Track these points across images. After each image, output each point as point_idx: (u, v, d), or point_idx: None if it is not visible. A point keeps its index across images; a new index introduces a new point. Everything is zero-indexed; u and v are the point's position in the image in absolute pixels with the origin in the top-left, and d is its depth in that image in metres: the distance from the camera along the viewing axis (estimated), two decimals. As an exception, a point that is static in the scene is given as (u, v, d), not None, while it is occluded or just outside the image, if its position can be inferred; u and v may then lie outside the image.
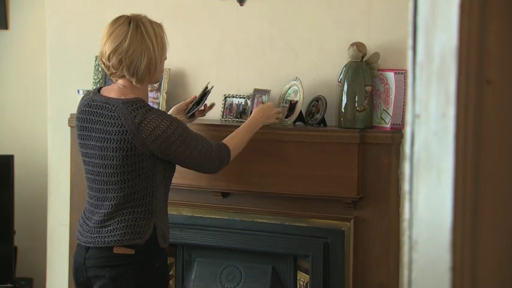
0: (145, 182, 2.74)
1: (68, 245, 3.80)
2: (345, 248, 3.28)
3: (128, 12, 2.85)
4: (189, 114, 3.25)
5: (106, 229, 2.74)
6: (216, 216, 3.54)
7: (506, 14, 0.84)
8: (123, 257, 2.72)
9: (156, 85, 3.55)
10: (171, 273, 3.75)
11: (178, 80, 3.64)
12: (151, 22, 2.80)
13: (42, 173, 3.95)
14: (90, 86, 3.70)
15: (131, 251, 2.72)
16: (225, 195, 3.48)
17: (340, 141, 3.19)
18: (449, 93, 0.84)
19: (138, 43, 2.73)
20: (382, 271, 3.20)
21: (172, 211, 3.61)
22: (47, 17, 3.88)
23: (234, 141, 3.00)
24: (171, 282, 3.74)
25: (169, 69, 3.58)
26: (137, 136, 2.68)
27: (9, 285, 3.87)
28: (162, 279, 2.85)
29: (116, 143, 2.70)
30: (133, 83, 2.78)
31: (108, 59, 2.75)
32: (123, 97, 2.75)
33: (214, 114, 3.50)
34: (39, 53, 4.03)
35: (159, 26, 2.83)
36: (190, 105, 3.24)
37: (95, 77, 3.70)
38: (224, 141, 2.98)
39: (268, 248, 3.42)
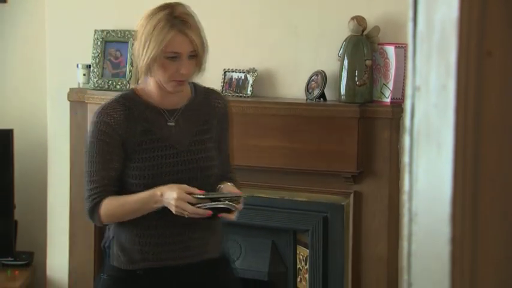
0: None
1: (68, 219, 3.81)
2: (344, 223, 3.28)
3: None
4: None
5: None
6: (216, 191, 3.55)
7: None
8: None
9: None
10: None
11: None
12: (147, 12, 2.48)
13: (42, 147, 3.95)
14: (89, 61, 3.69)
15: None
16: (225, 169, 3.48)
17: (340, 115, 3.18)
18: (450, 65, 0.83)
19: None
20: (382, 245, 3.21)
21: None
22: (46, -9, 3.86)
23: (112, 207, 2.45)
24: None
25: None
26: None
27: (9, 259, 3.88)
28: None
29: None
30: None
31: None
32: None
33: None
34: (38, 27, 4.01)
35: (148, 15, 2.45)
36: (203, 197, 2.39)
37: (94, 52, 3.69)
38: (105, 201, 2.46)
39: (268, 223, 3.43)
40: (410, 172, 0.93)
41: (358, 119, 3.15)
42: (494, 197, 0.86)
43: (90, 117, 3.67)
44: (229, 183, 2.50)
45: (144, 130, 2.47)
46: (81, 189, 3.78)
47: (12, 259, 3.88)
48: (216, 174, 2.53)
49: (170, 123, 2.50)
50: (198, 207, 2.33)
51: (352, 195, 3.25)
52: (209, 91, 2.64)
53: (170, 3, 2.48)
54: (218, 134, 2.59)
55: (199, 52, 2.44)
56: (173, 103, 2.53)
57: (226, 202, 2.34)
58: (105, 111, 2.49)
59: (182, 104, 2.55)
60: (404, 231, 0.93)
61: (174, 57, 2.41)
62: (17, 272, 3.87)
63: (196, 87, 2.61)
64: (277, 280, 3.49)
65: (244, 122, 3.33)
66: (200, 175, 2.48)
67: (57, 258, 3.86)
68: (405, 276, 0.91)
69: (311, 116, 3.23)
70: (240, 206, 2.39)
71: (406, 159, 0.94)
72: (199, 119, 2.55)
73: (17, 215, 3.91)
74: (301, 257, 3.44)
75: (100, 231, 3.77)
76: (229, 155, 2.66)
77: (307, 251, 3.37)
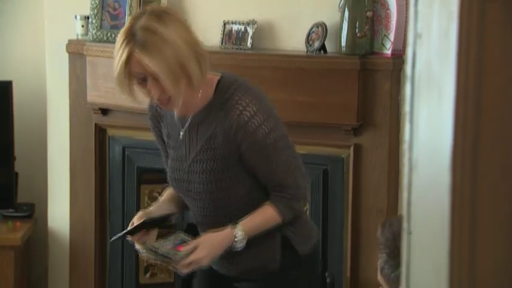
0: None
1: (69, 171, 3.81)
2: (344, 175, 3.29)
3: None
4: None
5: None
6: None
7: None
8: None
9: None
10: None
11: (179, 5, 3.59)
12: None
13: (41, 99, 3.94)
14: (88, 12, 3.66)
15: None
16: (224, 122, 3.46)
17: (340, 67, 3.17)
18: (452, 11, 0.82)
19: None
20: (382, 197, 3.22)
21: (172, 138, 3.62)
22: None
23: None
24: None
25: (168, -6, 3.53)
26: None
27: (10, 210, 3.90)
28: None
29: None
30: None
31: None
32: None
33: (213, 41, 3.47)
34: (36, -22, 3.97)
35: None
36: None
37: (93, 2, 3.65)
38: None
39: (267, 175, 3.43)
40: (411, 121, 0.92)
41: (358, 71, 3.14)
42: (494, 146, 0.85)
43: (89, 70, 3.66)
44: (184, 235, 2.33)
45: (168, 133, 2.42)
46: (81, 141, 3.79)
47: (13, 210, 3.90)
48: (228, 193, 2.31)
49: (181, 134, 2.36)
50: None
51: (352, 148, 3.25)
52: (228, 102, 2.27)
53: (145, 9, 2.27)
54: (243, 157, 2.28)
55: (158, 76, 2.15)
56: (186, 110, 2.32)
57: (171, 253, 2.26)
58: (148, 110, 2.47)
59: (193, 112, 2.32)
60: (405, 181, 0.92)
61: (140, 77, 2.19)
62: (18, 223, 3.89)
63: (218, 89, 2.29)
64: (277, 232, 3.51)
65: (244, 75, 3.30)
66: (204, 198, 2.34)
67: (58, 210, 3.88)
68: (405, 225, 0.91)
69: (311, 68, 3.21)
70: (180, 264, 2.24)
71: (406, 108, 0.93)
72: (206, 133, 2.31)
73: (18, 167, 3.91)
74: (301, 209, 3.45)
75: (101, 185, 3.78)
76: (270, 176, 2.31)
77: (307, 203, 3.38)
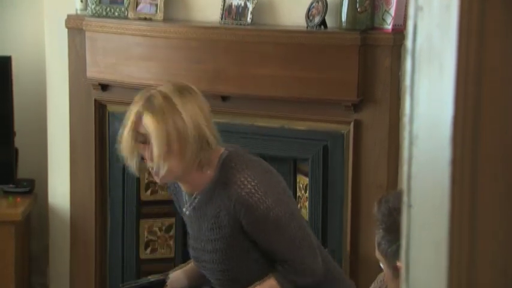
0: None
1: (69, 147, 3.81)
2: (344, 151, 3.29)
3: None
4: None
5: None
6: (216, 120, 3.54)
7: None
8: None
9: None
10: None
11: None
12: None
13: (40, 74, 3.93)
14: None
15: None
16: (224, 98, 3.46)
17: (341, 43, 3.16)
18: (454, -17, 0.82)
19: None
20: (382, 173, 3.22)
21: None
22: None
23: None
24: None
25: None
26: None
27: (11, 186, 3.90)
28: None
29: None
30: None
31: None
32: None
33: (213, 17, 3.46)
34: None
35: None
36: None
37: (92, -23, 3.63)
38: None
39: (268, 151, 3.43)
40: (412, 95, 0.92)
41: (359, 47, 3.13)
42: (495, 119, 0.85)
43: (88, 45, 3.65)
44: None
45: (180, 211, 2.48)
46: (81, 117, 3.79)
47: (13, 186, 3.90)
48: (242, 274, 2.36)
49: (187, 212, 2.41)
50: None
51: (352, 124, 3.25)
52: (229, 180, 2.27)
53: (169, 81, 2.35)
54: (250, 233, 2.31)
55: (151, 138, 2.21)
56: (192, 188, 2.36)
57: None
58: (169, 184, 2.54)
59: (199, 190, 2.34)
60: (405, 155, 0.92)
61: (141, 140, 2.27)
62: (18, 199, 3.90)
63: (220, 166, 2.30)
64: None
65: (244, 50, 3.31)
66: (217, 272, 2.38)
67: (59, 186, 3.89)
68: (405, 199, 0.91)
69: (311, 44, 3.20)
70: None
71: (407, 81, 0.93)
72: (212, 212, 2.33)
73: (17, 142, 3.91)
74: (301, 185, 3.45)
75: (101, 162, 3.78)
76: (274, 251, 2.32)
77: (307, 179, 3.38)
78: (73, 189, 3.83)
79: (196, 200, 2.35)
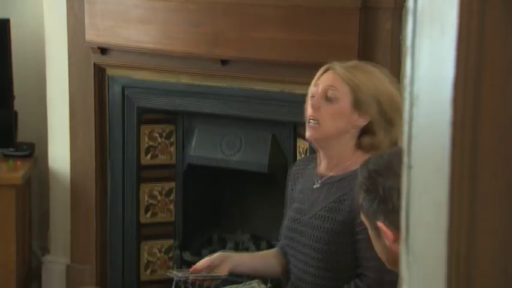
0: None
1: (68, 111, 3.81)
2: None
3: None
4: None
5: None
6: (215, 84, 3.53)
7: None
8: None
9: None
10: (171, 140, 3.78)
11: None
12: None
13: (39, 38, 3.91)
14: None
15: None
16: (224, 62, 3.45)
17: (341, 5, 3.13)
18: None
19: None
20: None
21: (171, 79, 3.61)
22: None
23: None
24: (172, 149, 3.78)
25: None
26: None
27: (11, 149, 3.90)
28: None
29: None
30: None
31: None
32: None
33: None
34: None
35: None
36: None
37: None
38: None
39: (267, 116, 3.43)
40: (413, 55, 0.91)
41: (359, 9, 3.10)
42: (496, 79, 0.84)
43: (87, 8, 3.62)
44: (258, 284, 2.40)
45: (302, 188, 2.45)
46: (80, 81, 3.77)
47: (13, 150, 3.90)
48: (327, 264, 2.31)
49: (315, 186, 2.39)
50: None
51: (352, 87, 3.23)
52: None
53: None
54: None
55: (335, 97, 2.33)
56: (330, 169, 2.37)
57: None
58: (295, 164, 2.58)
59: (334, 174, 2.37)
60: (405, 115, 0.92)
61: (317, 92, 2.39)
62: (18, 162, 3.90)
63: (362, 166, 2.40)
64: (277, 172, 3.52)
65: (243, 13, 3.29)
66: (309, 254, 2.34)
67: (59, 150, 3.89)
68: (405, 159, 0.91)
69: (311, 6, 3.18)
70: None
71: (408, 42, 0.92)
72: (335, 194, 2.34)
73: (17, 106, 3.90)
74: (301, 149, 3.45)
75: (100, 126, 3.78)
76: (365, 258, 2.26)
77: (307, 143, 3.38)
78: (73, 153, 3.83)
79: (326, 179, 2.37)
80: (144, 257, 3.75)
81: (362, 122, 2.30)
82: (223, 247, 3.72)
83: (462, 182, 0.84)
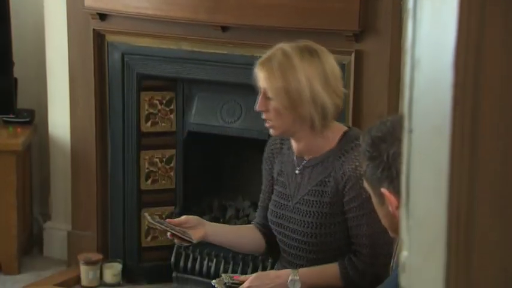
0: None
1: (68, 77, 3.80)
2: (345, 81, 3.27)
3: None
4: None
5: None
6: (215, 51, 3.52)
7: None
8: None
9: None
10: (171, 107, 3.77)
11: None
12: None
13: (38, 3, 3.89)
14: None
15: None
16: (224, 29, 3.43)
17: (343, -29, 3.11)
18: None
19: None
20: (382, 103, 3.22)
21: (171, 45, 3.59)
22: None
23: None
24: (172, 116, 3.78)
25: None
26: None
27: (11, 116, 3.90)
28: None
29: None
30: None
31: None
32: None
33: None
34: None
35: None
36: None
37: None
38: None
39: (268, 82, 3.41)
40: (414, 18, 0.90)
41: (361, -25, 3.08)
42: (498, 42, 0.84)
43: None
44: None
45: (280, 170, 2.44)
46: (80, 47, 3.76)
47: (13, 116, 3.90)
48: (317, 246, 2.33)
49: (296, 172, 2.39)
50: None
51: (353, 54, 3.22)
52: (348, 154, 2.31)
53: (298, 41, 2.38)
54: (345, 207, 2.30)
55: (268, 94, 2.29)
56: (306, 152, 2.37)
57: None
58: (270, 141, 2.52)
59: (313, 155, 2.36)
60: (406, 79, 0.91)
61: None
62: (18, 129, 3.90)
63: (342, 140, 2.35)
64: (277, 139, 3.52)
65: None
66: (301, 239, 2.35)
67: (59, 116, 3.88)
68: (406, 123, 0.91)
69: (313, -28, 3.15)
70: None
71: (409, 4, 0.91)
72: (318, 177, 2.35)
73: (17, 73, 3.89)
74: (301, 116, 3.44)
75: (100, 92, 3.77)
76: (359, 235, 2.29)
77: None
78: (73, 119, 3.83)
79: (305, 163, 2.37)
80: (145, 223, 3.76)
81: (305, 112, 2.29)
82: (223, 214, 3.73)
83: (463, 145, 0.83)
